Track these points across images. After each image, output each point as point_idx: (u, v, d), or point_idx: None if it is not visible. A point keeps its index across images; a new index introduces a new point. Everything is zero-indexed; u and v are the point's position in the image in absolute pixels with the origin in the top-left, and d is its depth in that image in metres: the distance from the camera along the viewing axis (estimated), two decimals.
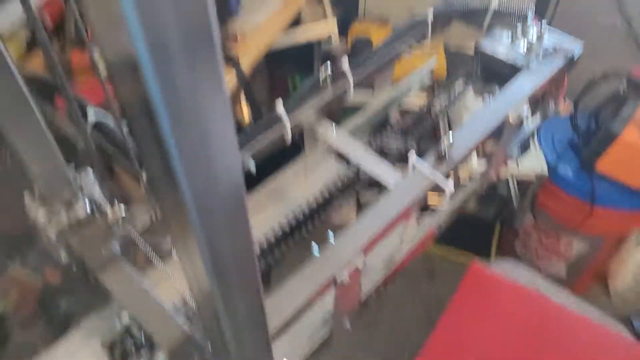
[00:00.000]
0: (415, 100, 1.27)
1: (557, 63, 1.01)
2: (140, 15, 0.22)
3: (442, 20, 1.13)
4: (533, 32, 1.05)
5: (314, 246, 0.78)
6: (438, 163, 0.83)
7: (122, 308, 0.71)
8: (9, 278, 1.86)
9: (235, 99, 1.54)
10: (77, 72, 1.33)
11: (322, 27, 1.83)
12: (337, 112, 1.12)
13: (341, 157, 0.96)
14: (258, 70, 1.81)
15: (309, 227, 0.90)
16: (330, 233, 0.80)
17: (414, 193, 0.80)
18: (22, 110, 0.60)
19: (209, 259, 0.35)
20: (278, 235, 0.85)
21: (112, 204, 0.74)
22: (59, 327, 1.41)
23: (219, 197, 0.32)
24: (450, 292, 2.23)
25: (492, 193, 2.32)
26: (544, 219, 2.05)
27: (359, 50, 1.94)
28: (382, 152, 0.99)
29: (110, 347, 0.72)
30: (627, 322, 1.90)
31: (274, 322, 0.66)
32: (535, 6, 1.54)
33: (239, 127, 1.50)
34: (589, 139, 1.81)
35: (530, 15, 1.08)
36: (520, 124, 0.91)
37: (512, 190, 2.20)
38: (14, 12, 1.28)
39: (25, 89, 0.57)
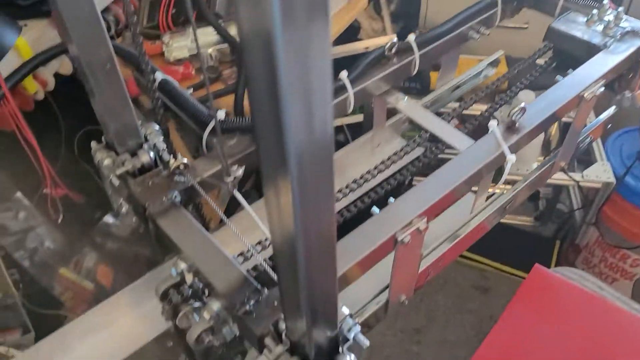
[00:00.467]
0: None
1: (636, 43, 0.96)
2: None
3: (512, 5, 1.10)
4: (610, 15, 1.00)
5: (375, 208, 0.75)
6: (507, 133, 0.79)
7: (181, 254, 0.71)
8: (63, 279, 1.93)
9: None
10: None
11: (382, 42, 1.83)
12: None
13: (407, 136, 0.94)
14: None
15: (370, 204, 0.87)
16: (392, 199, 0.77)
17: (482, 158, 0.77)
18: (110, 71, 0.69)
19: (298, 201, 0.38)
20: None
21: (174, 156, 0.74)
22: None
23: (314, 145, 0.36)
24: (502, 309, 2.14)
25: (552, 208, 2.23)
26: (609, 235, 1.94)
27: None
28: None
29: (165, 295, 0.71)
30: None
31: None
32: None
33: None
34: None
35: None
36: (594, 103, 0.86)
37: (576, 203, 2.10)
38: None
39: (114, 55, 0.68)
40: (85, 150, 1.73)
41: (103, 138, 0.75)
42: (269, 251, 0.77)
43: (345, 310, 0.61)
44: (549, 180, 1.86)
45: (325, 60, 0.32)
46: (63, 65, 1.48)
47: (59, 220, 1.29)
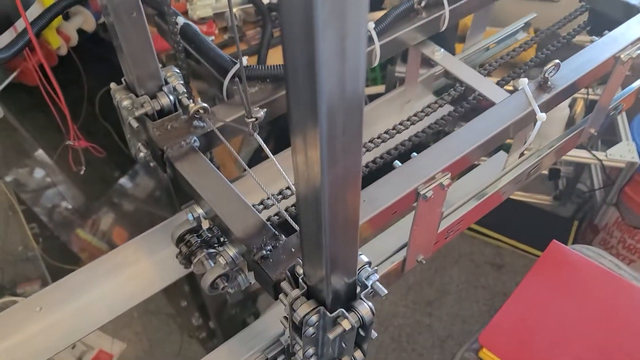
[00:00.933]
0: None
1: None
2: None
3: None
4: None
5: (397, 162, 0.73)
6: (539, 91, 0.76)
7: (198, 200, 0.69)
8: (79, 240, 1.95)
9: None
10: None
11: None
12: None
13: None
14: None
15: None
16: (414, 153, 0.75)
17: (510, 116, 0.73)
18: (136, 18, 0.67)
19: (326, 151, 0.38)
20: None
21: (193, 101, 0.72)
22: None
23: (345, 99, 0.35)
24: (516, 286, 2.12)
25: (572, 187, 2.18)
26: (629, 216, 1.89)
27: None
28: None
29: (180, 241, 0.70)
30: None
31: None
32: None
33: None
34: None
35: None
36: (629, 66, 0.82)
37: (597, 183, 2.06)
38: None
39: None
40: (106, 108, 1.74)
41: (123, 79, 0.73)
42: (287, 202, 0.76)
43: (364, 258, 0.59)
44: (571, 159, 1.84)
45: (362, 6, 0.31)
46: (87, 21, 1.46)
47: (82, 172, 1.28)
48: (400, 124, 0.83)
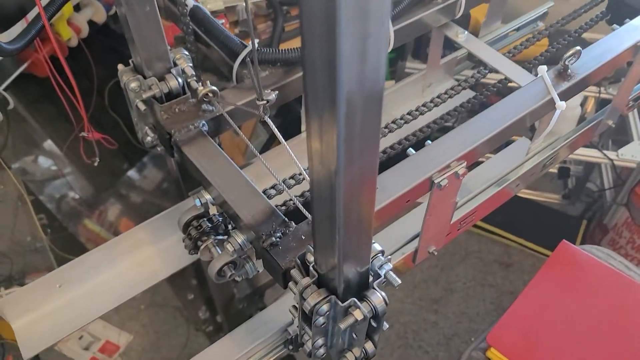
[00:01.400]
0: None
1: None
2: None
3: None
4: None
5: (410, 149, 0.70)
6: (558, 79, 0.72)
7: (206, 186, 0.67)
8: (87, 232, 1.93)
9: None
10: None
11: None
12: None
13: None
14: None
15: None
16: (428, 141, 0.72)
17: (528, 104, 0.70)
18: None
19: (343, 136, 0.36)
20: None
21: (204, 85, 0.70)
22: None
23: (365, 83, 0.34)
24: (524, 285, 2.08)
25: (581, 187, 2.14)
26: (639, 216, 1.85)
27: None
28: None
29: (187, 227, 0.68)
30: None
31: None
32: None
33: None
34: None
35: None
36: None
37: (607, 183, 2.02)
38: None
39: None
40: (115, 100, 1.72)
41: (130, 61, 0.70)
42: (296, 191, 0.73)
43: (377, 247, 0.56)
44: (582, 158, 1.80)
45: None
46: (97, 12, 1.45)
47: (95, 164, 1.26)
48: (424, 105, 0.80)
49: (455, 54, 0.99)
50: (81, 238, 1.90)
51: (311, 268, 0.54)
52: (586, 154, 1.74)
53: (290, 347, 0.70)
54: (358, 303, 0.53)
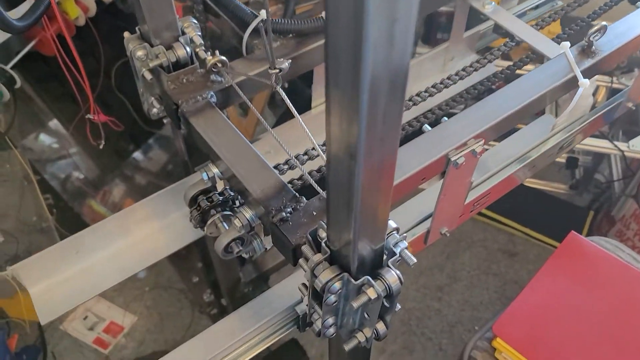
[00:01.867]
0: None
1: None
2: None
3: None
4: None
5: (426, 126, 0.67)
6: (582, 56, 0.69)
7: (214, 160, 0.64)
8: (92, 212, 1.91)
9: None
10: None
11: None
12: None
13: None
14: None
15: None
16: (445, 118, 0.68)
17: (550, 81, 0.67)
18: None
19: (365, 117, 0.34)
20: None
21: (212, 54, 0.66)
22: None
23: (391, 65, 0.32)
24: (528, 275, 2.06)
25: (589, 177, 2.10)
26: None
27: None
28: None
29: (194, 201, 0.65)
30: None
31: None
32: None
33: None
34: None
35: None
36: None
37: (616, 174, 1.98)
38: None
39: None
40: (122, 81, 1.69)
41: (137, 28, 0.67)
42: (308, 166, 0.69)
43: (392, 224, 0.53)
44: (592, 148, 1.76)
45: None
46: None
47: (101, 147, 1.24)
48: (449, 78, 0.76)
49: (479, 27, 0.94)
50: (86, 218, 1.87)
51: (323, 244, 0.51)
52: (597, 144, 1.70)
53: (296, 326, 0.68)
54: (372, 281, 0.50)
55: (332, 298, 0.51)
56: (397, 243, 0.53)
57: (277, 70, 0.57)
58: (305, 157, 0.67)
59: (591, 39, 0.68)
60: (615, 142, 1.70)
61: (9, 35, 1.18)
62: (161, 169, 1.95)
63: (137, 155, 1.96)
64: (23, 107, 1.67)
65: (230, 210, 0.64)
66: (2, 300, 1.72)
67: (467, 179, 0.67)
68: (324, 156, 0.58)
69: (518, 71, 0.79)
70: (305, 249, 0.53)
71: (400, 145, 0.64)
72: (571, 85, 0.69)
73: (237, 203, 0.65)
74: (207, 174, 0.64)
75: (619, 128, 1.94)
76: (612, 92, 1.84)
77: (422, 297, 1.98)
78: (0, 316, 1.68)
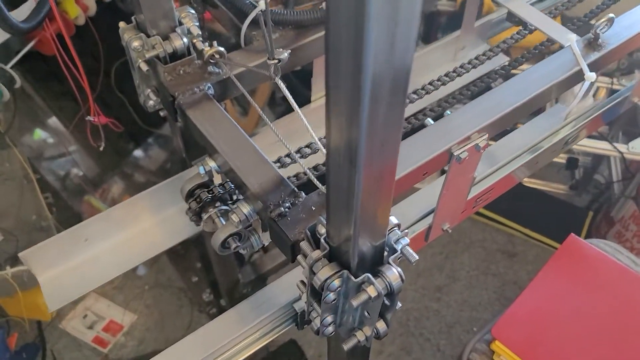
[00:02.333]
0: None
1: None
2: None
3: None
4: None
5: (429, 120, 0.64)
6: (588, 49, 0.66)
7: (211, 153, 0.61)
8: (92, 210, 1.89)
9: None
10: None
11: None
12: None
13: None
14: None
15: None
16: (448, 112, 0.66)
17: (555, 75, 0.64)
18: None
19: (366, 118, 0.33)
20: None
21: (210, 45, 0.64)
22: None
23: (392, 67, 0.31)
24: (527, 275, 2.03)
25: (589, 178, 2.08)
26: None
27: None
28: None
29: (190, 195, 0.62)
30: None
31: None
32: None
33: None
34: None
35: None
36: None
37: (615, 175, 1.96)
38: None
39: None
40: (122, 80, 1.66)
41: (133, 18, 0.64)
42: (308, 161, 0.67)
43: (393, 220, 0.50)
44: (591, 150, 1.73)
45: None
46: None
47: (101, 148, 1.22)
48: (461, 67, 0.73)
49: (490, 16, 0.92)
50: (86, 216, 1.85)
51: (322, 240, 0.49)
52: (596, 146, 1.67)
53: (295, 324, 0.65)
54: (372, 279, 0.48)
55: (331, 296, 0.49)
56: (398, 239, 0.50)
57: (276, 61, 0.55)
58: (303, 151, 0.64)
59: (597, 31, 0.65)
60: (615, 144, 1.67)
61: (8, 35, 1.16)
62: (161, 168, 1.93)
63: (137, 154, 1.94)
64: (23, 105, 1.65)
65: (227, 205, 0.62)
66: (1, 299, 1.69)
67: (470, 174, 0.65)
68: (324, 150, 0.56)
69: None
70: (304, 245, 0.50)
71: (404, 138, 0.62)
72: (577, 79, 0.66)
73: (235, 198, 0.62)
74: (204, 168, 0.61)
75: (619, 129, 1.91)
76: (612, 94, 1.82)
77: (420, 297, 1.95)
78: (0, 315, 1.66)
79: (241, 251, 0.61)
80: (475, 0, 0.85)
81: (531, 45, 0.80)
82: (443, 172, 0.64)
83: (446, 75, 0.72)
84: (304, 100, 0.89)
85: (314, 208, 0.55)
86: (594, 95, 1.79)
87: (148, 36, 0.63)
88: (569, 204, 2.10)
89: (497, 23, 0.94)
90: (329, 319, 0.52)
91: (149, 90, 0.66)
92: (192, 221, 0.62)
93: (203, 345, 0.64)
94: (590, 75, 0.64)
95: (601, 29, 0.65)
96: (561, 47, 0.68)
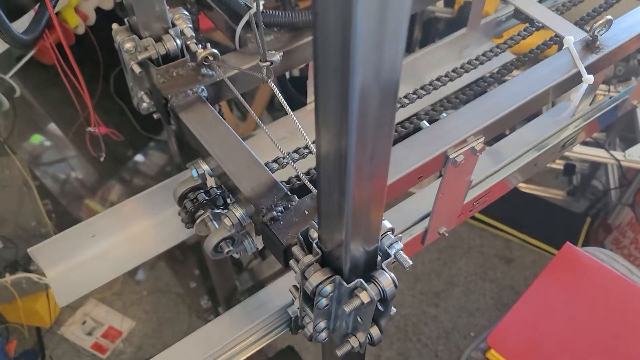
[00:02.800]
0: None
1: None
2: None
3: None
4: None
5: (424, 122, 0.63)
6: (586, 51, 0.65)
7: (204, 156, 0.59)
8: (89, 216, 1.87)
9: None
10: None
11: None
12: None
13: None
14: None
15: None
16: (444, 114, 0.64)
17: (552, 77, 0.63)
18: None
19: (355, 127, 0.32)
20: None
21: (203, 47, 0.62)
22: None
23: (380, 80, 0.30)
24: (524, 281, 2.01)
25: (586, 184, 2.06)
26: None
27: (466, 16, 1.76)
28: None
29: (183, 199, 0.60)
30: None
31: None
32: None
33: None
34: None
35: None
36: None
37: (612, 182, 1.94)
38: None
39: None
40: (121, 87, 1.65)
41: (126, 20, 0.63)
42: (303, 165, 0.65)
43: (387, 224, 0.49)
44: (588, 157, 1.71)
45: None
46: (104, 0, 1.39)
47: (102, 159, 1.21)
48: (469, 63, 0.71)
49: (495, 15, 0.90)
50: None
51: (314, 245, 0.47)
52: (593, 153, 1.66)
53: (289, 329, 0.63)
54: (365, 284, 0.46)
55: (324, 301, 0.47)
56: (392, 244, 0.49)
57: (268, 63, 0.53)
58: (297, 155, 0.62)
59: (595, 33, 0.64)
60: (612, 152, 1.65)
61: (8, 45, 1.16)
62: (160, 174, 1.91)
63: (136, 161, 1.93)
64: (22, 113, 1.64)
65: (220, 209, 0.60)
66: (0, 306, 1.68)
67: (466, 177, 0.63)
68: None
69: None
70: (296, 249, 0.49)
71: (399, 141, 0.60)
72: (575, 80, 0.65)
73: (228, 201, 0.61)
74: (197, 171, 0.60)
75: (615, 136, 1.90)
76: None
77: (418, 303, 1.93)
78: None
79: (234, 255, 0.59)
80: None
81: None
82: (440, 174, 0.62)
83: (454, 71, 0.71)
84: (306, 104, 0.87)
85: (307, 212, 0.54)
86: (590, 104, 1.78)
87: (140, 38, 0.61)
88: (566, 210, 2.08)
89: (503, 21, 0.93)
90: (322, 324, 0.50)
91: (142, 92, 0.65)
92: (186, 225, 0.60)
93: (197, 350, 0.63)
94: (588, 78, 0.62)
95: (599, 31, 0.64)
96: (559, 49, 0.67)
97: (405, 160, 0.58)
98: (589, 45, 0.65)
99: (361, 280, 0.46)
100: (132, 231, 0.76)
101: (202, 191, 0.60)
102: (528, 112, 0.63)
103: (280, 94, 0.55)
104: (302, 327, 0.52)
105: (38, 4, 0.90)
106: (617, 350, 1.10)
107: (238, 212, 0.56)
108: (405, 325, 1.88)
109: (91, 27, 1.37)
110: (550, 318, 1.16)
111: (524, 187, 2.08)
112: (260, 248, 0.60)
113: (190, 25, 0.63)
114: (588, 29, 0.64)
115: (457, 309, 1.92)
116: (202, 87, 0.62)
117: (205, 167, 0.59)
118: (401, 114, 0.69)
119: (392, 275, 0.48)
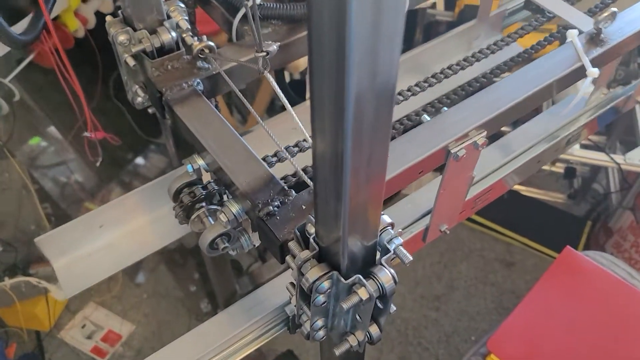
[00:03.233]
0: None
1: None
2: None
3: None
4: None
5: (425, 116, 0.61)
6: (590, 44, 0.63)
7: (199, 151, 0.57)
8: (86, 212, 1.86)
9: None
10: None
11: None
12: None
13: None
14: None
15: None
16: (445, 108, 0.62)
17: (556, 71, 0.61)
18: None
19: (350, 128, 0.31)
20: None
21: (199, 40, 0.60)
22: None
23: (376, 85, 0.29)
24: (525, 285, 1.98)
25: (587, 187, 2.04)
26: None
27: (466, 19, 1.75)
28: None
29: (178, 194, 0.58)
30: None
31: None
32: None
33: None
34: None
35: None
36: None
37: (613, 186, 1.91)
38: None
39: None
40: (120, 89, 1.64)
41: (120, 12, 0.61)
42: (301, 160, 0.63)
43: (386, 219, 0.47)
44: (588, 161, 1.69)
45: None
46: (104, 3, 1.38)
47: (98, 164, 1.19)
48: (481, 53, 0.70)
49: (505, 6, 0.89)
50: None
51: (312, 240, 0.45)
52: (593, 156, 1.63)
53: (287, 327, 0.61)
54: (363, 280, 0.44)
55: (321, 298, 0.45)
56: (391, 239, 0.46)
57: (264, 54, 0.51)
58: (304, 145, 0.60)
59: (600, 26, 0.62)
60: (612, 155, 1.63)
61: (8, 49, 1.15)
62: (159, 175, 1.90)
63: (136, 163, 1.91)
64: (22, 116, 1.62)
65: (216, 205, 0.58)
66: (0, 310, 1.65)
67: (468, 173, 0.61)
68: None
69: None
70: (292, 245, 0.46)
71: (399, 135, 0.58)
72: (579, 74, 0.63)
73: (224, 196, 0.59)
74: (192, 166, 0.57)
75: (616, 139, 1.88)
76: None
77: (419, 306, 1.90)
78: None
79: (231, 252, 0.57)
80: None
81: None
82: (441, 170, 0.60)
83: (465, 60, 0.69)
84: None
85: (304, 207, 0.52)
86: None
87: (135, 30, 0.59)
88: (567, 213, 2.06)
89: (512, 13, 0.91)
90: (320, 322, 0.48)
91: (137, 86, 0.63)
92: (180, 222, 0.58)
93: (193, 348, 0.61)
94: (593, 71, 0.60)
95: (603, 24, 0.62)
96: (562, 42, 0.65)
97: (406, 155, 0.55)
98: (593, 39, 0.63)
99: (359, 276, 0.44)
100: (139, 222, 0.74)
101: (197, 187, 0.58)
102: (532, 106, 0.61)
103: (277, 86, 0.53)
104: (299, 326, 0.50)
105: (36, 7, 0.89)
106: (617, 354, 1.08)
107: (234, 207, 0.54)
108: (406, 328, 1.85)
109: (91, 31, 1.36)
110: (550, 322, 1.14)
111: (525, 190, 2.06)
112: (257, 245, 0.57)
113: (186, 18, 0.61)
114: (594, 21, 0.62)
115: (458, 312, 1.89)
116: (198, 80, 0.60)
117: (200, 162, 0.57)
118: (411, 103, 0.67)
119: (392, 271, 0.46)
